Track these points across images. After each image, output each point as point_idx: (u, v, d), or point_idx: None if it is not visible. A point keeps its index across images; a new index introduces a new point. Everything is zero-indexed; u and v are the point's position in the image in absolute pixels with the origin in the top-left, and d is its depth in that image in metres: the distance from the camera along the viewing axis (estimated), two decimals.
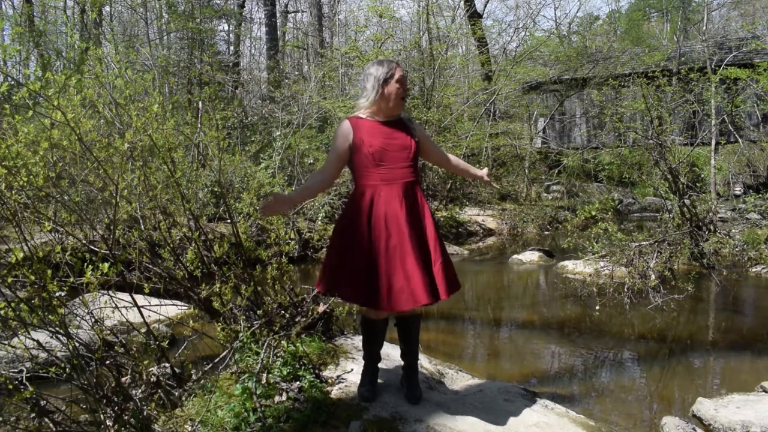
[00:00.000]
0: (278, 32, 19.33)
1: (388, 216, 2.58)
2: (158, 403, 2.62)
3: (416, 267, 2.51)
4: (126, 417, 2.34)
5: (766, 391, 3.41)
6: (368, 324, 2.78)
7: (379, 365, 2.93)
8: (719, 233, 7.78)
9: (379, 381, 2.87)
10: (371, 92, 2.71)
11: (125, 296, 2.82)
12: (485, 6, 20.10)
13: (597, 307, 5.81)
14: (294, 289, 3.43)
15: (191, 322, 3.31)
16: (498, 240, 12.02)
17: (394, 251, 2.54)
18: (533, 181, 16.50)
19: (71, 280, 2.57)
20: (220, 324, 3.10)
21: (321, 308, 3.38)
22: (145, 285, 3.04)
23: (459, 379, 3.27)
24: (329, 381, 2.94)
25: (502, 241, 11.82)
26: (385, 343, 3.33)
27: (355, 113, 2.79)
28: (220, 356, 3.02)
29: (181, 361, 3.07)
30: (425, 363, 3.31)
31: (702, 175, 16.34)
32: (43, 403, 2.28)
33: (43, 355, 2.45)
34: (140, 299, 2.97)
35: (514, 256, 8.92)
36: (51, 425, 2.25)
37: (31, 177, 2.62)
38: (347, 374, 3.01)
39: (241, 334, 2.99)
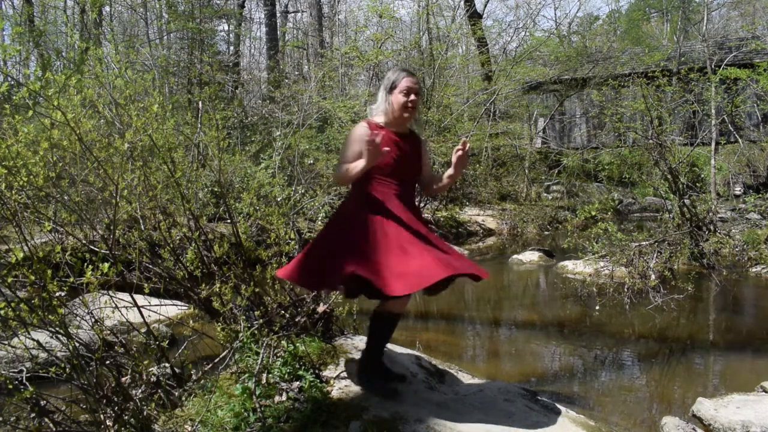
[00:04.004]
0: (278, 32, 19.32)
1: (389, 221, 2.58)
2: (158, 403, 2.62)
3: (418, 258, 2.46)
4: (126, 417, 2.34)
5: (766, 391, 3.41)
6: (387, 318, 2.74)
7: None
8: (719, 233, 7.78)
9: None
10: (381, 101, 2.74)
11: (125, 296, 2.82)
12: (485, 6, 20.13)
13: (597, 307, 5.81)
14: (294, 289, 3.43)
15: (191, 322, 3.32)
16: (498, 240, 12.02)
17: (400, 246, 2.49)
18: (533, 181, 16.49)
19: (71, 280, 2.57)
20: (220, 324, 3.10)
21: (321, 308, 3.38)
22: (145, 285, 3.04)
23: (459, 379, 3.27)
24: (329, 381, 2.94)
25: (502, 241, 11.81)
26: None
27: (373, 118, 2.78)
28: (220, 356, 3.02)
29: (181, 361, 3.07)
30: (425, 363, 3.31)
31: (702, 175, 16.34)
32: (43, 403, 2.28)
33: (43, 355, 2.45)
34: (140, 299, 2.97)
35: (514, 256, 8.92)
36: (51, 425, 2.25)
37: (31, 177, 2.62)
38: (347, 374, 3.01)
39: (241, 334, 2.98)
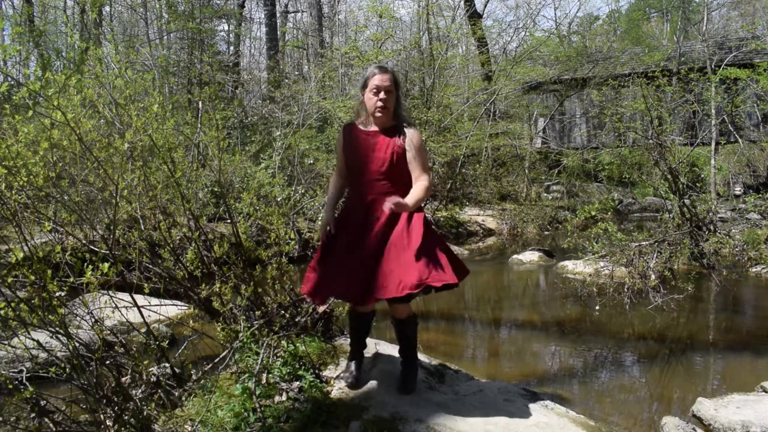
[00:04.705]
0: (278, 32, 19.32)
1: (355, 226, 2.65)
2: (158, 403, 2.62)
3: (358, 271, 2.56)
4: (126, 417, 2.34)
5: (766, 391, 3.41)
6: (355, 314, 2.87)
7: (381, 366, 2.96)
8: (719, 233, 7.77)
9: (379, 382, 2.87)
10: (358, 100, 2.75)
11: (125, 296, 2.82)
12: (485, 6, 20.10)
13: (597, 307, 5.81)
14: (294, 289, 3.43)
15: (191, 322, 3.32)
16: (498, 240, 12.02)
17: (353, 255, 2.60)
18: (533, 181, 16.49)
19: (71, 280, 2.57)
20: (220, 324, 3.10)
21: (321, 308, 3.38)
22: (145, 285, 3.04)
23: (459, 379, 3.27)
24: (329, 381, 2.94)
25: (502, 241, 11.81)
26: (386, 343, 3.34)
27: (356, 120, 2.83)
28: (220, 356, 3.02)
29: (181, 361, 3.08)
30: (425, 363, 3.31)
31: (702, 175, 16.34)
32: (43, 403, 2.28)
33: (43, 355, 2.45)
34: (140, 299, 2.98)
35: (514, 256, 8.91)
36: (51, 425, 2.25)
37: (31, 177, 2.62)
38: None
39: (241, 334, 2.99)
